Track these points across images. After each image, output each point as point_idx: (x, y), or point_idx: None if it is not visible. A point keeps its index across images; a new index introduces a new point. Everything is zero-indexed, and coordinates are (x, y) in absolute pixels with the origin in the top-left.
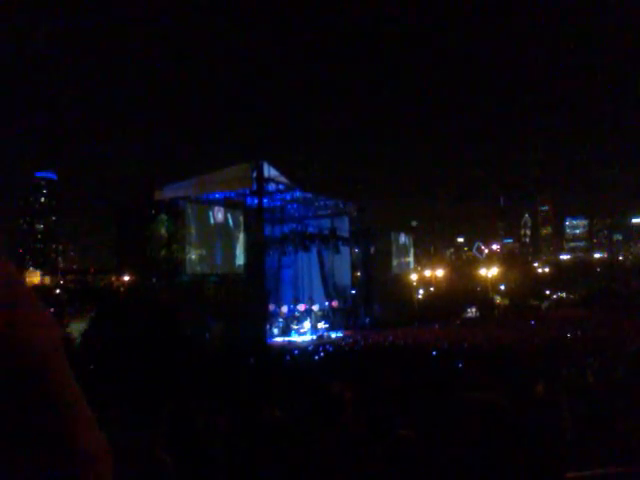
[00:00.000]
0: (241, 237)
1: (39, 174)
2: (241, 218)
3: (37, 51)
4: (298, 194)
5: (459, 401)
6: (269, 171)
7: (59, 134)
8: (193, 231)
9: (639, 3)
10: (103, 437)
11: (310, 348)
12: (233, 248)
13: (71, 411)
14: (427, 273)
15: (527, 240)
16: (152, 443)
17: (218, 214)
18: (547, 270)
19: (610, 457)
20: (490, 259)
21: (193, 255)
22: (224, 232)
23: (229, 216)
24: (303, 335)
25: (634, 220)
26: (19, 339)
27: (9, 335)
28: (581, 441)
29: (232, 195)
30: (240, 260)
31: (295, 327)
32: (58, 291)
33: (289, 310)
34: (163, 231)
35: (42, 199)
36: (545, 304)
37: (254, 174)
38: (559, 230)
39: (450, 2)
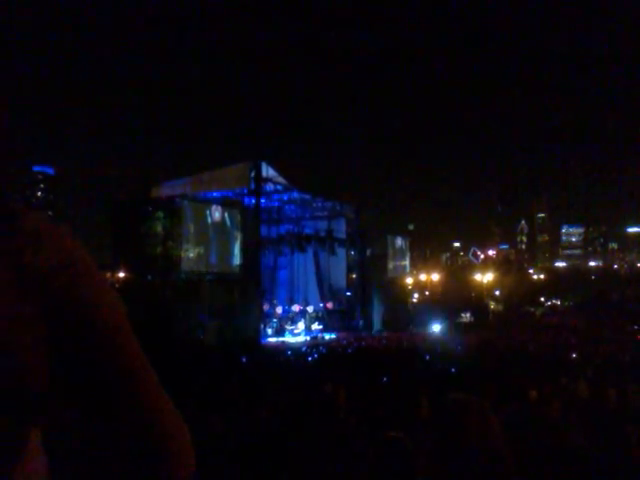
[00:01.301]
0: (238, 236)
1: (36, 168)
2: (238, 217)
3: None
4: (296, 195)
5: (440, 401)
6: (267, 171)
7: (58, 129)
8: (190, 229)
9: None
10: (177, 413)
11: (304, 349)
12: (229, 247)
13: (146, 384)
14: (422, 277)
15: (523, 246)
16: None
17: (215, 213)
18: (542, 277)
19: (603, 460)
20: (486, 264)
21: (189, 253)
22: (221, 231)
23: (226, 215)
24: (297, 336)
25: (629, 229)
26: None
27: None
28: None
29: (230, 194)
30: (236, 259)
31: (289, 328)
32: None
33: (284, 311)
34: (159, 229)
35: (39, 193)
36: (540, 311)
37: (252, 174)
38: (555, 237)
39: (439, 4)
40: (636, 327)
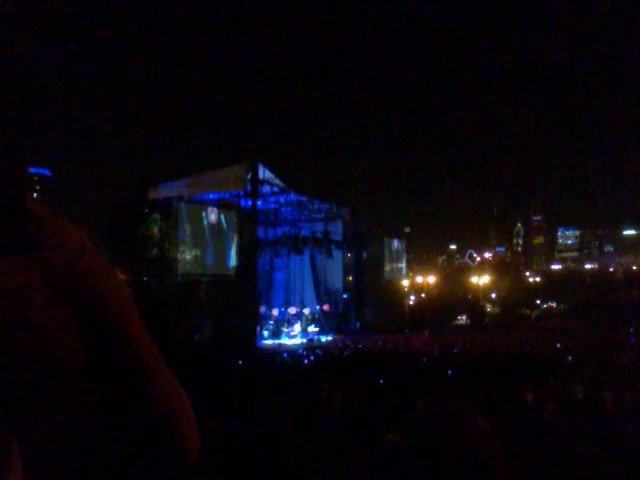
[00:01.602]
0: (234, 238)
1: (33, 170)
2: (234, 219)
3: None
4: (292, 197)
5: (427, 407)
6: (264, 173)
7: (54, 130)
8: (186, 231)
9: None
10: (180, 388)
11: (300, 351)
12: (226, 249)
13: (152, 362)
14: (419, 279)
15: (519, 249)
16: None
17: (212, 215)
18: (538, 279)
19: (598, 463)
20: (482, 267)
21: (186, 255)
22: (217, 233)
23: (222, 217)
24: (293, 338)
25: (625, 232)
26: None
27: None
28: (570, 448)
29: (226, 196)
30: (232, 261)
31: (285, 330)
32: None
33: (280, 313)
34: (156, 230)
35: (35, 195)
36: (536, 313)
37: (249, 176)
38: (551, 240)
39: (436, 8)
40: (632, 329)
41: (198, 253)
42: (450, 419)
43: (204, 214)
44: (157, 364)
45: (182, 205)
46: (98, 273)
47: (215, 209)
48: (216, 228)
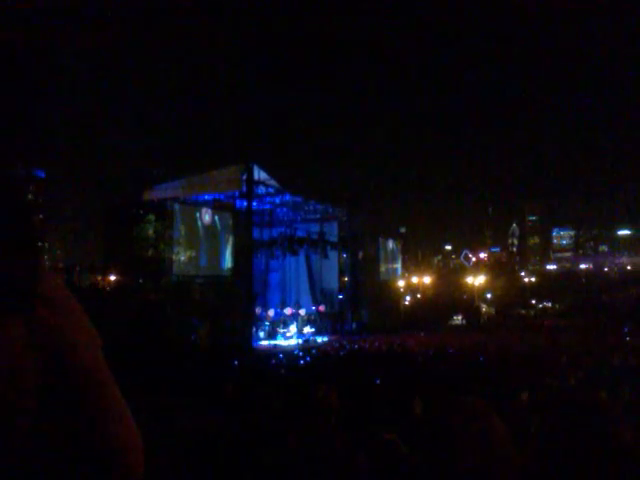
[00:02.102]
0: (229, 239)
1: (23, 172)
2: (230, 220)
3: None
4: (288, 198)
5: (442, 403)
6: (259, 174)
7: (48, 131)
8: (181, 232)
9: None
10: (134, 428)
11: (296, 352)
12: (221, 250)
13: (101, 402)
14: (414, 280)
15: (514, 249)
16: None
17: (206, 216)
18: (533, 279)
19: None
20: (477, 267)
21: (181, 256)
22: (212, 234)
23: (218, 218)
24: (289, 339)
25: (620, 232)
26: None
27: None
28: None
29: (221, 197)
30: (228, 262)
31: (281, 331)
32: None
33: (276, 314)
34: (151, 231)
35: (29, 196)
36: (531, 313)
37: (244, 176)
38: (546, 240)
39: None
40: (626, 329)
41: (193, 254)
42: (469, 416)
43: (199, 215)
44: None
45: (177, 206)
46: (74, 332)
47: (210, 210)
48: (211, 229)
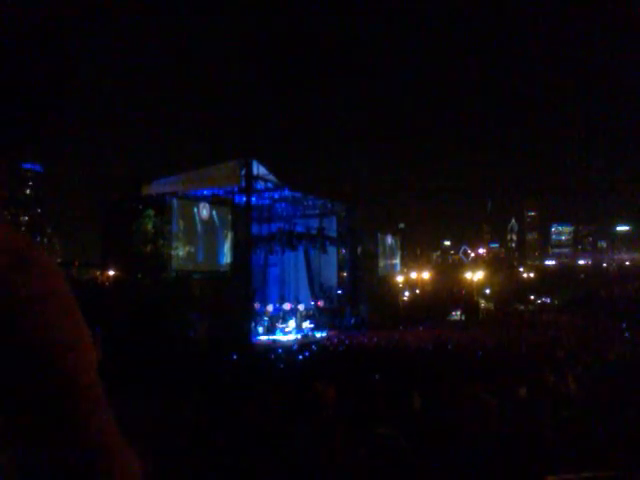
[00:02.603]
0: (228, 235)
1: (25, 165)
2: (229, 216)
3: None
4: (287, 193)
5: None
6: (258, 169)
7: (47, 125)
8: (180, 227)
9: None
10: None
11: (295, 347)
12: (220, 245)
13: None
14: (413, 275)
15: (513, 245)
16: None
17: (205, 211)
18: (532, 275)
19: (589, 461)
20: (476, 263)
21: (179, 251)
22: (211, 229)
23: (216, 213)
24: (288, 334)
25: (618, 228)
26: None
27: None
28: (561, 445)
29: (220, 192)
30: (227, 257)
31: (280, 326)
32: None
33: (275, 309)
34: (150, 226)
35: (27, 191)
36: (529, 309)
37: (243, 172)
38: (545, 236)
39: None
40: (624, 325)
41: (192, 249)
42: (474, 401)
43: (198, 210)
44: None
45: (176, 201)
46: (60, 326)
47: (207, 205)
48: (210, 224)
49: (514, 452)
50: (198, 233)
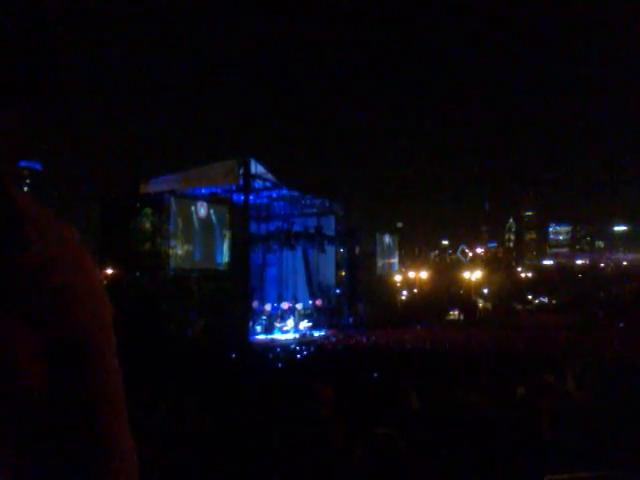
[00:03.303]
0: (226, 233)
1: (23, 163)
2: (226, 214)
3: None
4: (285, 192)
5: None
6: (256, 168)
7: (45, 123)
8: (178, 226)
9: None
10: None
11: (293, 346)
12: (218, 244)
13: (110, 406)
14: (411, 275)
15: (511, 245)
16: None
17: (203, 209)
18: (530, 275)
19: (588, 461)
20: (474, 262)
21: (177, 250)
22: (209, 228)
23: (214, 212)
24: (286, 333)
25: (616, 228)
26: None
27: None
28: (560, 444)
29: (218, 191)
30: (224, 256)
31: (278, 325)
32: None
33: (273, 308)
34: (148, 225)
35: (25, 189)
36: (527, 308)
37: (241, 170)
38: (543, 235)
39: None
40: (621, 325)
41: (190, 248)
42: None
43: (195, 209)
44: (117, 404)
45: (174, 200)
46: (79, 288)
47: (204, 203)
48: (208, 223)
49: (512, 452)
50: (195, 231)
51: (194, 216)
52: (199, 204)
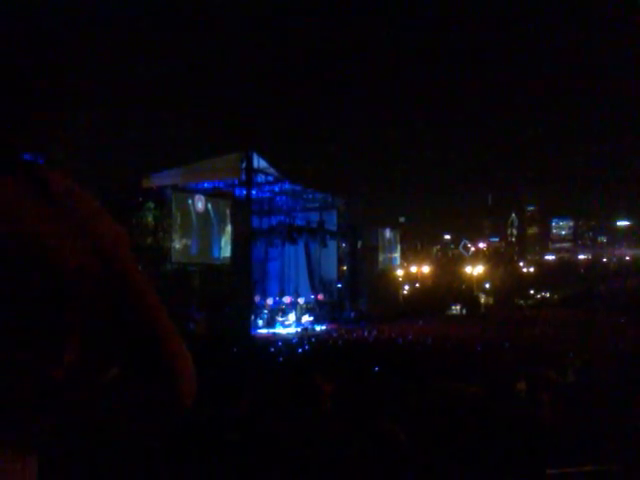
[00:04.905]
0: (228, 228)
1: (25, 157)
2: (229, 209)
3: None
4: (287, 186)
5: (438, 390)
6: (258, 162)
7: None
8: (180, 220)
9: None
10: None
11: (294, 340)
12: (220, 238)
13: (160, 321)
14: (413, 269)
15: (513, 239)
16: None
17: (204, 204)
18: (532, 270)
19: (590, 455)
20: (476, 257)
21: (179, 244)
22: (211, 222)
23: (216, 206)
24: (288, 327)
25: (619, 223)
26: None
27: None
28: (562, 438)
29: (220, 185)
30: (227, 251)
31: (280, 319)
32: None
33: (274, 302)
34: (150, 219)
35: None
36: (529, 303)
37: (243, 164)
38: (545, 230)
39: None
40: (623, 320)
41: (192, 242)
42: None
43: (198, 203)
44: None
45: (176, 194)
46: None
47: (203, 197)
48: (210, 217)
49: (514, 446)
50: (200, 226)
51: (198, 210)
52: (197, 198)
